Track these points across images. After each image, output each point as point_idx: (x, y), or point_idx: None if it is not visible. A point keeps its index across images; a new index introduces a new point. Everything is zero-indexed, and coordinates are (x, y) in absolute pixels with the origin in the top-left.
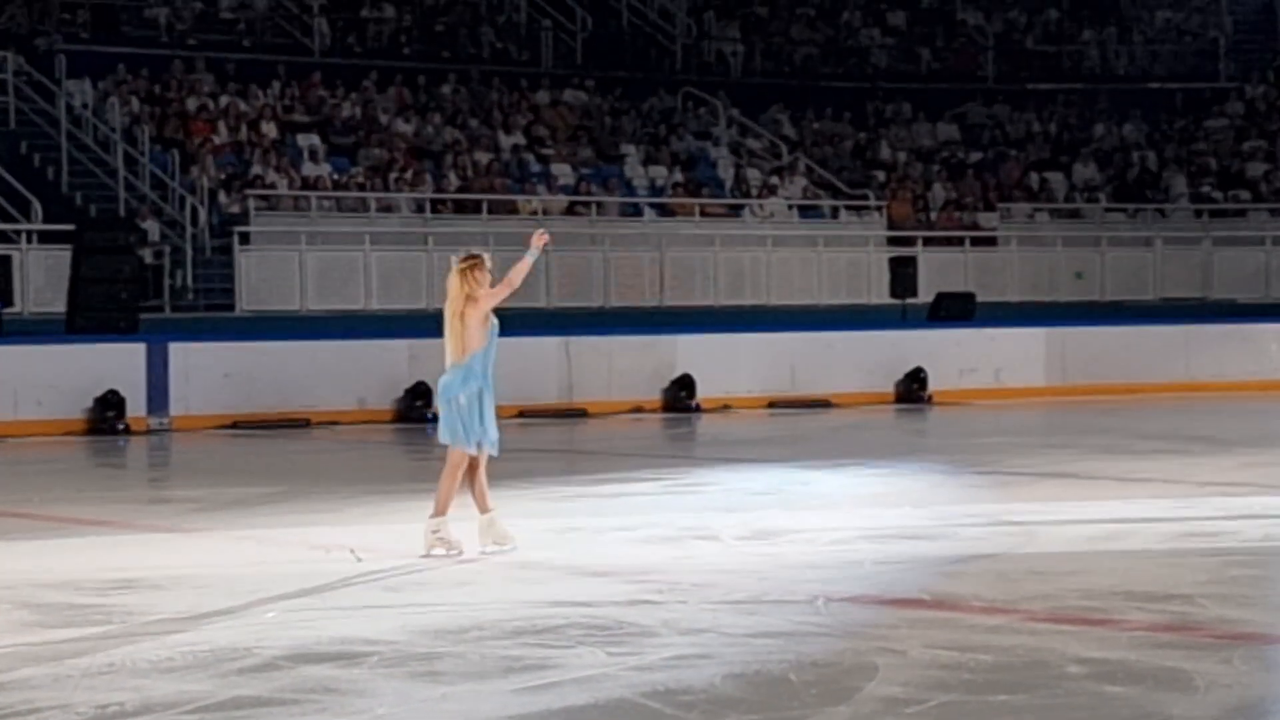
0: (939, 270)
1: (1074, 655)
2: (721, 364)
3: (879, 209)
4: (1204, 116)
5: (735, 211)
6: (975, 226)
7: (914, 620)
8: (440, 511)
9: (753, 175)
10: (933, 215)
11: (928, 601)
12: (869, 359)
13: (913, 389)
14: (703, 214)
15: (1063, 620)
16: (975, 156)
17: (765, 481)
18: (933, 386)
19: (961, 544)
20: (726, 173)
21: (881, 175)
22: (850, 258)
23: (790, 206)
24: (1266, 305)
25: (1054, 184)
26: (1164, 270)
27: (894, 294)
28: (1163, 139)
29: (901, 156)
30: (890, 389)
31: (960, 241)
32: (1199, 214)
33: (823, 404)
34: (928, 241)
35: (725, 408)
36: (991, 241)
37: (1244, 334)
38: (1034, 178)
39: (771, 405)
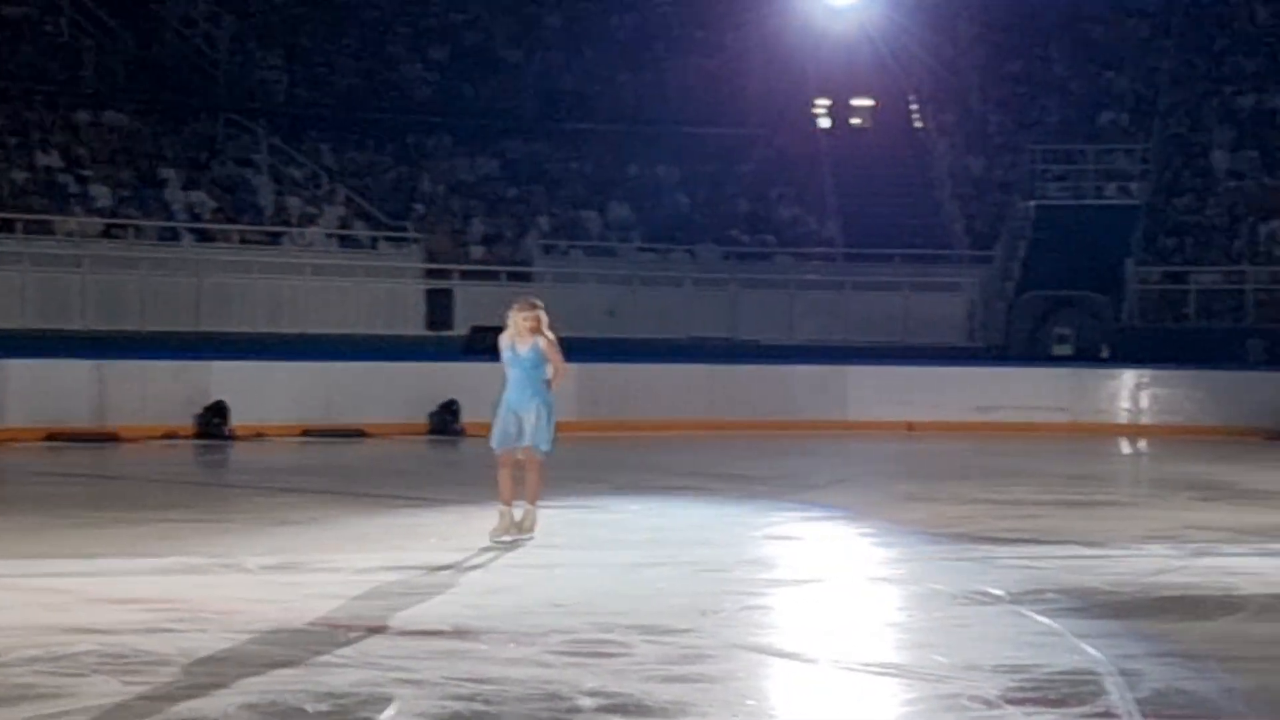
0: (475, 303)
1: (587, 688)
2: (256, 391)
3: (417, 241)
4: (734, 161)
5: (275, 239)
6: (512, 261)
7: (434, 651)
8: None
9: (293, 203)
10: (471, 249)
11: (448, 633)
12: (404, 390)
13: (446, 421)
14: (242, 240)
15: (578, 654)
16: (513, 192)
17: (297, 512)
18: (466, 419)
19: (485, 576)
20: (266, 200)
21: (421, 208)
22: (388, 288)
23: (329, 236)
24: (790, 347)
25: (589, 222)
26: (693, 310)
27: (430, 326)
28: (694, 182)
29: (441, 190)
30: (425, 420)
31: (497, 275)
32: (727, 256)
33: (357, 433)
34: (465, 275)
35: (259, 435)
36: (528, 277)
37: (768, 374)
38: (569, 215)
39: (306, 434)
